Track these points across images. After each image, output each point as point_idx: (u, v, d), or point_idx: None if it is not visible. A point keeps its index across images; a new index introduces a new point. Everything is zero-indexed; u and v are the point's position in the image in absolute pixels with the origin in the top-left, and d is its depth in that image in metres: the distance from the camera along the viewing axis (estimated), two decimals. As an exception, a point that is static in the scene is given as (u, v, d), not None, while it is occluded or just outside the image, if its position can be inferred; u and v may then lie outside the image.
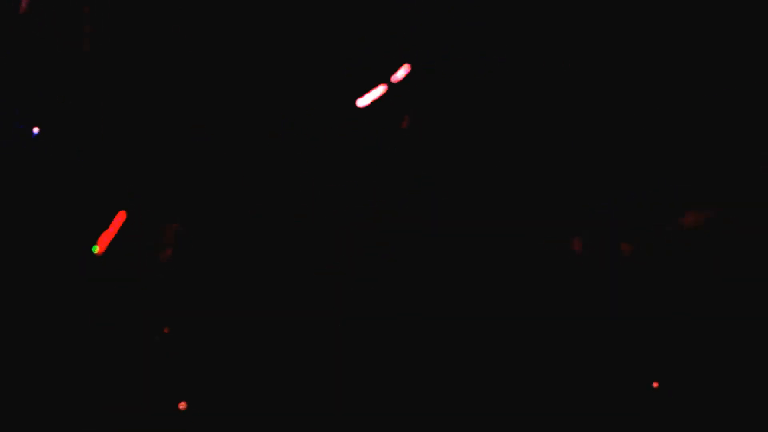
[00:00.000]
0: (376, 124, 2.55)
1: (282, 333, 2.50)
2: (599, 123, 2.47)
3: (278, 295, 2.52)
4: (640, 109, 2.45)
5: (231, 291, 2.53)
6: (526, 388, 2.40)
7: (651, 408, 2.33)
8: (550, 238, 2.44)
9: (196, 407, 2.45)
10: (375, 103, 2.54)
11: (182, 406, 2.43)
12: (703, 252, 2.35)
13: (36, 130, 2.52)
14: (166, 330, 2.48)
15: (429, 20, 2.55)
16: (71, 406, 2.45)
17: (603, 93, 2.47)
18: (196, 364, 2.48)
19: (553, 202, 2.45)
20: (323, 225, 2.54)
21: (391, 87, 2.55)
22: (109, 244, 2.54)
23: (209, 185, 2.58)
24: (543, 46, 2.51)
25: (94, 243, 2.53)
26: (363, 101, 2.49)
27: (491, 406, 2.40)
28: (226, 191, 2.58)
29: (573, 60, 2.49)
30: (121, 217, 2.42)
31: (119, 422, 2.45)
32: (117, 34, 2.60)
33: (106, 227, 2.53)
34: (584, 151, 2.47)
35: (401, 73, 2.45)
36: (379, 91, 2.50)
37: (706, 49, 2.42)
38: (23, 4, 2.54)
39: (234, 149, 2.58)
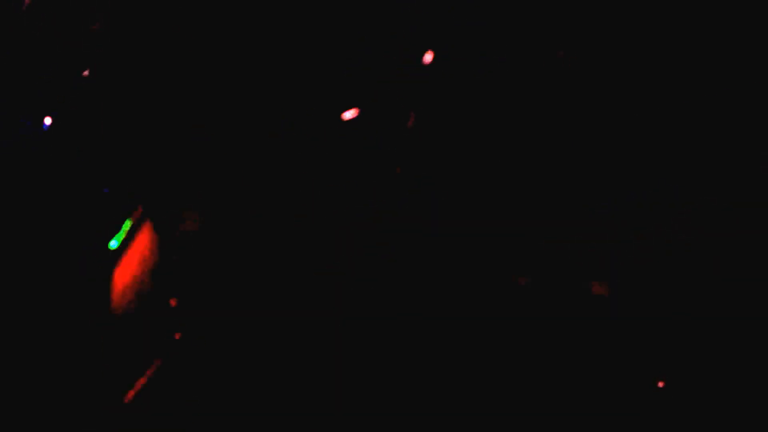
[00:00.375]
0: (376, 125, 2.55)
1: (282, 333, 2.50)
2: (599, 123, 2.47)
3: (278, 295, 2.52)
4: (640, 110, 2.45)
5: (231, 291, 2.53)
6: (525, 388, 2.40)
7: (651, 408, 2.33)
8: (550, 237, 2.44)
9: (196, 407, 2.45)
10: (374, 103, 2.54)
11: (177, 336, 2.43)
12: (703, 252, 2.35)
13: (48, 120, 2.52)
14: (177, 336, 2.48)
15: (429, 20, 2.55)
16: (71, 405, 2.45)
17: (603, 93, 2.47)
18: (197, 364, 2.48)
19: (552, 201, 2.45)
20: (323, 225, 2.54)
21: (392, 87, 2.55)
22: (110, 246, 2.54)
23: (209, 185, 2.58)
24: (543, 46, 2.51)
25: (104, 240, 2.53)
26: (349, 114, 2.49)
27: (491, 405, 2.40)
28: (226, 191, 2.58)
29: (573, 60, 2.49)
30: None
31: (119, 422, 2.45)
32: (117, 35, 2.60)
33: (106, 227, 2.53)
34: (584, 151, 2.47)
35: (428, 58, 2.44)
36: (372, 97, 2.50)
37: (706, 49, 2.43)
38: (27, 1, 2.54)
39: (234, 149, 2.58)
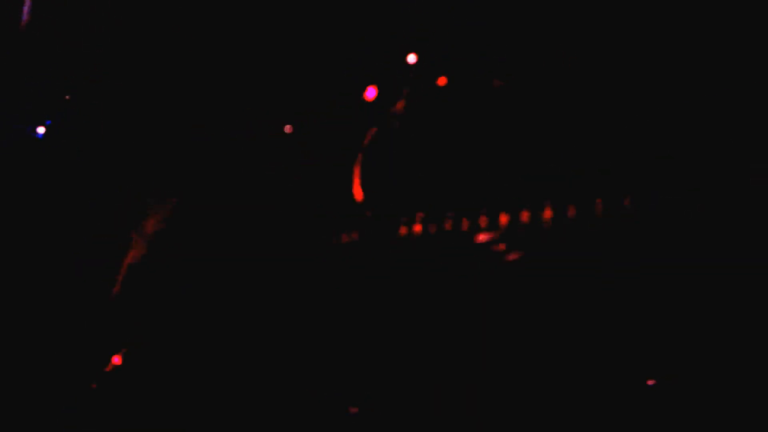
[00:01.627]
0: (376, 124, 2.55)
1: (281, 334, 2.50)
2: (599, 123, 2.47)
3: (278, 295, 2.53)
4: (639, 110, 2.45)
5: (231, 292, 2.53)
6: (525, 388, 2.40)
7: (650, 408, 2.33)
8: (549, 236, 2.44)
9: (194, 408, 2.46)
10: (374, 103, 2.54)
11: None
12: (701, 251, 2.34)
13: (41, 130, 2.53)
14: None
15: (429, 20, 2.55)
16: (69, 405, 2.46)
17: (603, 93, 2.47)
18: (193, 366, 2.49)
19: (551, 201, 2.45)
20: (323, 225, 2.55)
21: (391, 87, 2.55)
22: (111, 245, 2.55)
23: (209, 186, 2.59)
24: (543, 46, 2.51)
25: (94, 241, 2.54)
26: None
27: (491, 406, 2.40)
28: (227, 191, 2.59)
29: (573, 60, 2.49)
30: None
31: (118, 422, 2.46)
32: (117, 35, 2.62)
33: (106, 227, 2.55)
34: (584, 150, 2.46)
35: (370, 94, 2.46)
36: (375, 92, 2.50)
37: (706, 49, 2.42)
38: (25, 18, 2.56)
39: (234, 149, 2.59)
